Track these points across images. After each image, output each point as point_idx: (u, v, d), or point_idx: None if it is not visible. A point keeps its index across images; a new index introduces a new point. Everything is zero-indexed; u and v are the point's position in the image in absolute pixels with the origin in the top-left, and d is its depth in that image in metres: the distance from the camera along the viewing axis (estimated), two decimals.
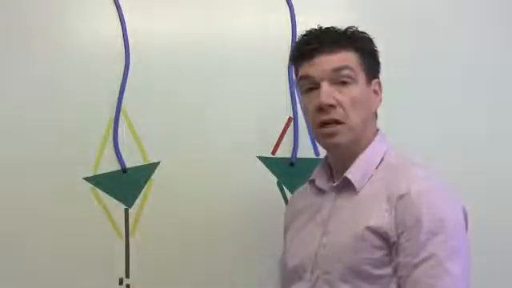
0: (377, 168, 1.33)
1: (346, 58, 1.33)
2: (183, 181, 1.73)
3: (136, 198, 1.72)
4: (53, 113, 1.70)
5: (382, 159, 1.34)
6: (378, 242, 1.24)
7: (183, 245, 1.72)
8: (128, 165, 1.72)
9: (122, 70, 1.72)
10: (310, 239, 1.36)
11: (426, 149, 1.69)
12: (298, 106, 1.77)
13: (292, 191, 1.76)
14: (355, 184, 1.32)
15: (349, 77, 1.33)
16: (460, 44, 1.80)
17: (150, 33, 1.75)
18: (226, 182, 1.74)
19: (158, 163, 1.73)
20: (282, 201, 1.76)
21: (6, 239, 1.67)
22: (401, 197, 1.24)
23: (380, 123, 1.42)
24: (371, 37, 1.39)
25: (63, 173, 1.69)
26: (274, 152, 1.77)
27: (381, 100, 1.39)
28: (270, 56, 1.77)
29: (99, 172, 1.71)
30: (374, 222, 1.25)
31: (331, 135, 1.33)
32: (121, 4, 1.74)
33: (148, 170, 1.73)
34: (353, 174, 1.33)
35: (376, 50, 1.39)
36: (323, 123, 1.33)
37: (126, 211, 1.72)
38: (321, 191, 1.41)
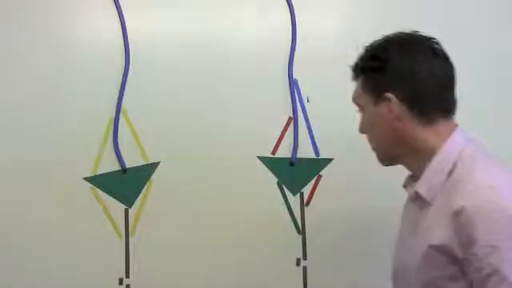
0: (449, 175, 1.25)
1: (357, 86, 1.37)
2: (183, 181, 1.73)
3: (136, 197, 1.72)
4: (53, 113, 1.70)
5: (453, 166, 1.26)
6: (444, 258, 1.21)
7: (183, 245, 1.72)
8: (128, 165, 1.72)
9: (122, 70, 1.72)
10: (397, 246, 1.37)
11: None
12: (298, 106, 1.77)
13: (292, 191, 1.77)
14: (424, 197, 1.27)
15: (359, 105, 1.38)
16: (461, 41, 1.80)
17: (150, 33, 1.75)
18: (226, 182, 1.74)
19: (158, 163, 1.73)
20: (282, 201, 1.76)
21: (5, 239, 1.67)
22: (457, 211, 1.18)
23: None
24: (375, 49, 1.33)
25: (63, 173, 1.69)
26: (274, 152, 1.77)
27: (397, 113, 1.29)
28: (270, 56, 1.77)
29: (99, 172, 1.71)
30: (436, 240, 1.21)
31: None
32: (121, 4, 1.74)
33: (148, 169, 1.73)
34: (421, 186, 1.28)
35: (381, 64, 1.31)
36: None
37: (126, 211, 1.72)
38: (409, 198, 1.37)
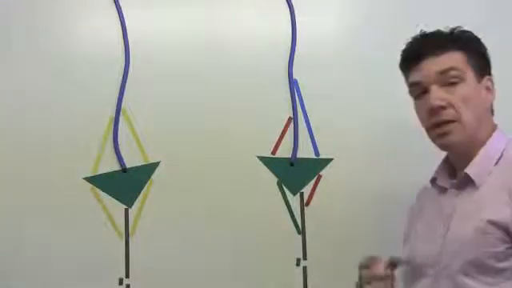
0: (496, 164, 1.34)
1: (452, 59, 1.37)
2: (183, 181, 1.73)
3: (136, 197, 1.72)
4: (53, 112, 1.70)
5: (501, 155, 1.35)
6: (500, 234, 1.26)
7: (183, 244, 1.72)
8: (128, 165, 1.72)
9: (122, 70, 1.72)
10: (433, 237, 1.38)
11: None
12: (298, 105, 1.77)
13: (292, 191, 1.77)
14: (475, 180, 1.33)
15: (456, 77, 1.36)
16: None
17: (150, 33, 1.75)
18: (226, 183, 1.74)
19: (158, 163, 1.73)
20: (282, 201, 1.76)
21: (5, 239, 1.67)
22: None
23: None
24: (477, 37, 1.41)
25: (63, 173, 1.69)
26: (274, 152, 1.77)
27: (494, 96, 1.40)
28: (270, 56, 1.77)
29: (99, 172, 1.71)
30: (494, 216, 1.26)
31: (444, 135, 1.36)
32: (121, 4, 1.74)
33: (148, 169, 1.73)
34: (472, 170, 1.34)
35: (484, 49, 1.41)
36: (435, 125, 1.36)
37: (126, 211, 1.72)
38: (442, 189, 1.42)
